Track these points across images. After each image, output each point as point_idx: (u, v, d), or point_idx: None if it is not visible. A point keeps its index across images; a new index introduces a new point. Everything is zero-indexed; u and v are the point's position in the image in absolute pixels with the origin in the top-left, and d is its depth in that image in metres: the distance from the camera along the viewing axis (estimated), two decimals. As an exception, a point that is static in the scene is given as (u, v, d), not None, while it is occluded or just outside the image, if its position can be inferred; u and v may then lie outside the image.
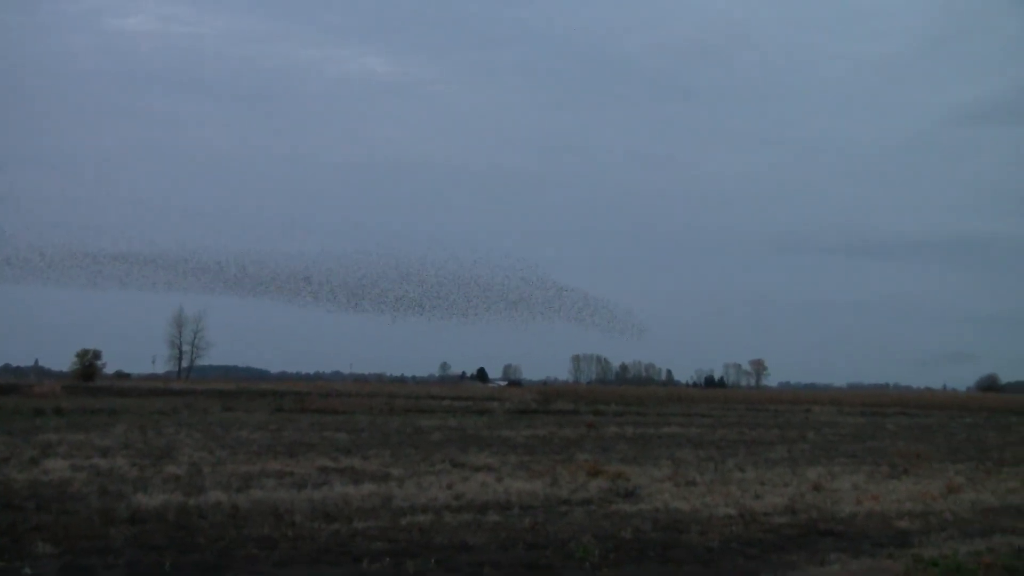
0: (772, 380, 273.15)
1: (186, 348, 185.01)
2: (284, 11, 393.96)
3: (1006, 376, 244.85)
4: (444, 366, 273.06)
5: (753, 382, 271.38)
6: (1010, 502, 24.05)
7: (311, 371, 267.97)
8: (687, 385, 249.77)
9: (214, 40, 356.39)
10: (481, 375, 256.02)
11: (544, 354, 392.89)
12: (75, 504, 19.50)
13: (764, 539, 17.77)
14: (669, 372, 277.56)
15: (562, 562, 15.05)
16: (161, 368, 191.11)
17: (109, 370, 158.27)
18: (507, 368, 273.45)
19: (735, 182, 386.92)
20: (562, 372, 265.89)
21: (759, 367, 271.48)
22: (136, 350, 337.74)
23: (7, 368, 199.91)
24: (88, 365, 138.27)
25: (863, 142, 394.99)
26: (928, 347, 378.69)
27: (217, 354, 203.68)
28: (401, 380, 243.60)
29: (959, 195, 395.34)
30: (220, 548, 15.39)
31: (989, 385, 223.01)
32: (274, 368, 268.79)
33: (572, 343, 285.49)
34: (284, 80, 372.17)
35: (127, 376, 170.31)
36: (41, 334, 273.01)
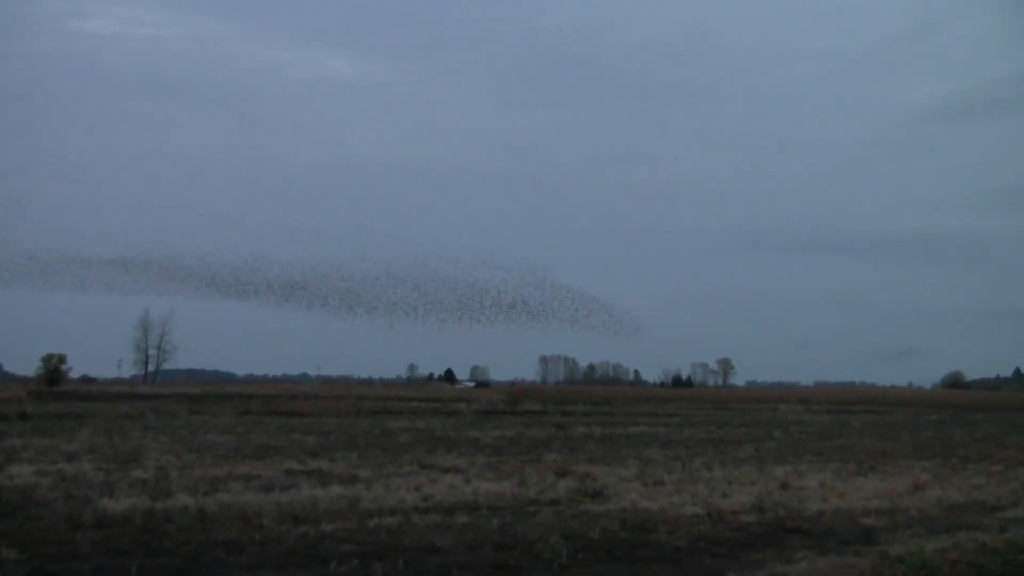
0: (739, 379, 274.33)
1: (152, 352, 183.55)
2: (248, 13, 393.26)
3: (972, 373, 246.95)
4: (412, 367, 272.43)
5: (720, 381, 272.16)
6: (975, 498, 24.23)
7: (278, 373, 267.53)
8: (654, 385, 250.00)
9: (178, 43, 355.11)
10: (449, 376, 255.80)
11: (511, 355, 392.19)
12: (41, 510, 19.39)
13: (732, 538, 17.84)
14: (636, 372, 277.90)
15: (530, 563, 15.07)
16: (127, 372, 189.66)
17: (75, 374, 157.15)
18: (474, 369, 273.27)
19: (701, 181, 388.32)
20: (530, 373, 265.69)
21: (726, 366, 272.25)
22: (102, 354, 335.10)
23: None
24: (53, 370, 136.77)
25: (829, 140, 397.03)
26: (894, 344, 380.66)
27: (183, 357, 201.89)
28: (368, 382, 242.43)
29: (925, 193, 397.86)
30: (187, 552, 15.35)
31: (954, 382, 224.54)
32: (241, 371, 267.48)
33: (539, 344, 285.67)
34: (250, 82, 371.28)
35: (93, 380, 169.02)
36: (5, 338, 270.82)
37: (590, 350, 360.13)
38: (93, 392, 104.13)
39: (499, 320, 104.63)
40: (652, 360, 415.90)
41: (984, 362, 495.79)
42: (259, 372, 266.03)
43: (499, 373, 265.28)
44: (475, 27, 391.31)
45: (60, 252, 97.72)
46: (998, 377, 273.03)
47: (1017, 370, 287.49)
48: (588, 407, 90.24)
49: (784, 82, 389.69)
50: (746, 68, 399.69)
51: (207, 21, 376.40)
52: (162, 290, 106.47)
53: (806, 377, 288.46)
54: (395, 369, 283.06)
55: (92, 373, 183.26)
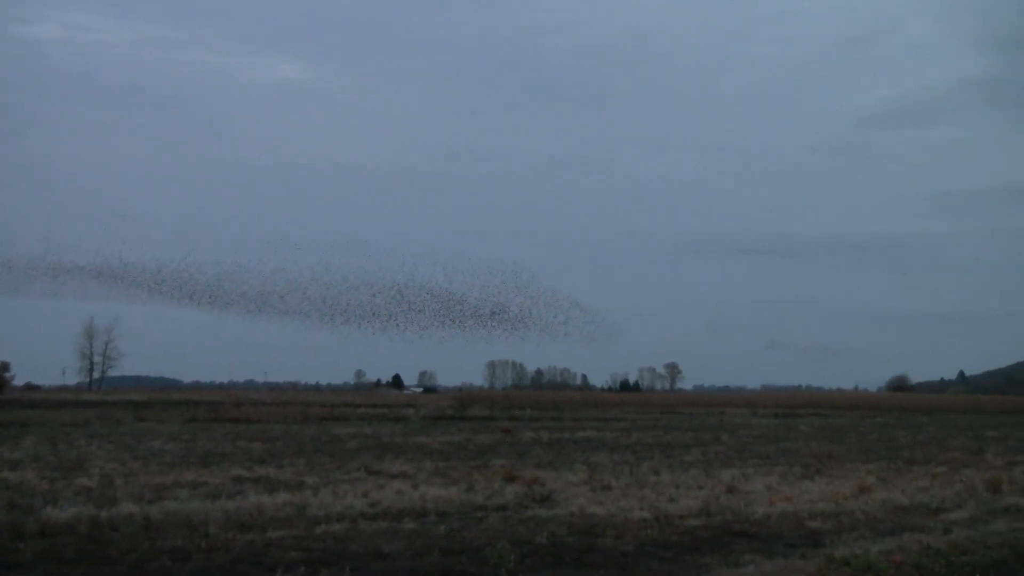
0: (686, 383, 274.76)
1: (97, 359, 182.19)
2: (195, 18, 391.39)
3: (917, 376, 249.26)
4: (359, 373, 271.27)
5: (668, 385, 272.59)
6: (920, 501, 24.44)
7: (224, 380, 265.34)
8: (602, 389, 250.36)
9: (123, 48, 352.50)
10: (396, 382, 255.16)
11: (459, 360, 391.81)
12: (-17, 519, 19.16)
13: (679, 542, 17.90)
14: (584, 377, 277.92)
15: (477, 568, 15.05)
16: (72, 380, 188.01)
17: (18, 382, 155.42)
18: (422, 375, 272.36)
19: (648, 185, 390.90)
20: (477, 378, 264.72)
21: (673, 370, 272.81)
22: (46, 362, 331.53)
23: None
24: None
25: (773, 145, 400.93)
26: (837, 346, 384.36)
27: (129, 364, 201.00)
28: (316, 388, 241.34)
29: (870, 198, 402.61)
30: (133, 560, 15.22)
31: (899, 385, 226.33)
32: (187, 378, 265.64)
33: (487, 349, 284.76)
34: (196, 87, 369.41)
35: (37, 388, 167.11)
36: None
37: (538, 355, 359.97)
38: (37, 400, 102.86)
39: (480, 329, 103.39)
40: (600, 364, 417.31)
41: (929, 365, 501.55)
42: (205, 379, 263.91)
43: (447, 379, 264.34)
44: (422, 33, 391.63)
45: (32, 261, 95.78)
46: (942, 380, 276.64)
47: (961, 373, 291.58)
48: (536, 412, 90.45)
49: (729, 88, 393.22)
50: (691, 74, 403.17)
51: (152, 26, 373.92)
52: (133, 298, 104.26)
53: (753, 381, 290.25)
54: (342, 375, 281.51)
55: (36, 381, 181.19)
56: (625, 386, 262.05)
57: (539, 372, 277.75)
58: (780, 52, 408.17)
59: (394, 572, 14.70)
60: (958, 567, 15.77)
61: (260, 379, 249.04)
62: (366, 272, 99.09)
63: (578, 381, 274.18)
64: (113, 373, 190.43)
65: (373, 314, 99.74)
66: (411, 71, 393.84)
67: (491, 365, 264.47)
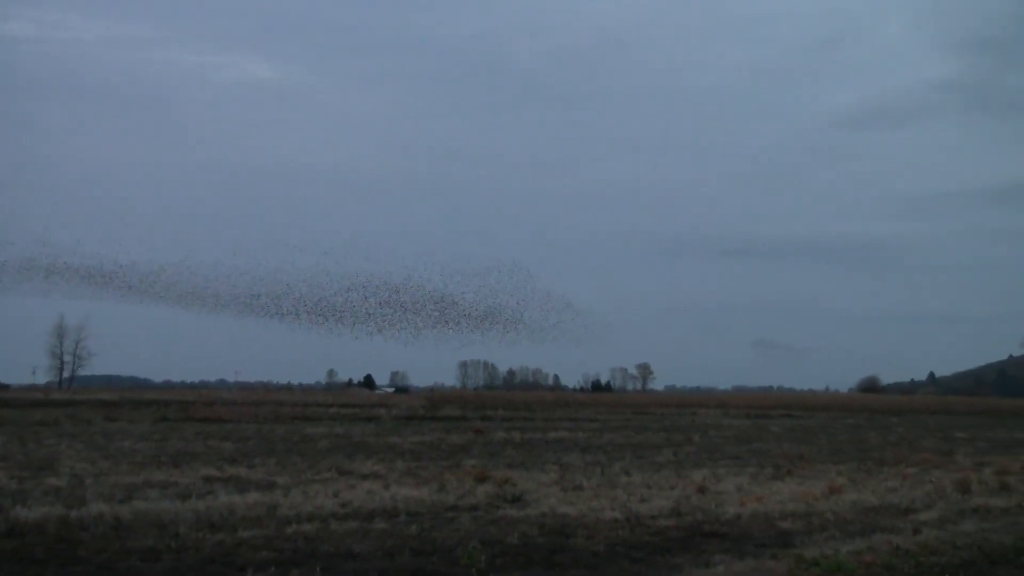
0: (658, 384, 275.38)
1: (67, 358, 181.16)
2: (167, 18, 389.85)
3: (887, 377, 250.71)
4: (331, 373, 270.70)
5: (639, 386, 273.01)
6: (890, 501, 24.53)
7: (195, 380, 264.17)
8: (574, 390, 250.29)
9: (95, 46, 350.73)
10: (368, 382, 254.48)
11: (431, 360, 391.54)
12: (-49, 519, 19.02)
13: (650, 542, 17.92)
14: (556, 377, 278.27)
15: (448, 569, 15.05)
16: (42, 379, 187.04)
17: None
18: (394, 375, 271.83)
19: (621, 186, 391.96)
20: (449, 378, 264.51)
21: (645, 371, 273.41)
22: (15, 361, 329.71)
23: None
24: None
25: (746, 146, 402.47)
26: (808, 347, 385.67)
27: (99, 364, 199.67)
28: (287, 388, 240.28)
29: (841, 198, 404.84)
30: (102, 561, 15.16)
31: (870, 386, 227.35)
32: (158, 377, 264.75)
33: (459, 349, 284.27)
34: (168, 87, 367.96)
35: (6, 387, 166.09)
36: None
37: (510, 355, 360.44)
38: (6, 399, 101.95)
39: (473, 331, 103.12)
40: (572, 365, 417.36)
41: (899, 366, 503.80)
42: (176, 378, 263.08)
43: (419, 379, 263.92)
44: (393, 34, 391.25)
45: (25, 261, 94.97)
46: (912, 381, 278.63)
47: (931, 374, 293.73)
48: (508, 412, 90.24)
49: (699, 89, 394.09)
50: (661, 76, 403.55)
51: (131, 24, 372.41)
52: (121, 299, 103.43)
53: (725, 382, 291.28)
54: (314, 375, 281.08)
55: (6, 380, 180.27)
56: (597, 386, 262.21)
57: (511, 372, 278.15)
58: (749, 54, 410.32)
59: (365, 572, 14.69)
60: (927, 567, 15.87)
61: (231, 379, 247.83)
62: (362, 274, 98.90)
63: (550, 381, 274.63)
64: (84, 372, 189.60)
65: (368, 315, 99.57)
66: (383, 72, 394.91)
67: (463, 365, 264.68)
